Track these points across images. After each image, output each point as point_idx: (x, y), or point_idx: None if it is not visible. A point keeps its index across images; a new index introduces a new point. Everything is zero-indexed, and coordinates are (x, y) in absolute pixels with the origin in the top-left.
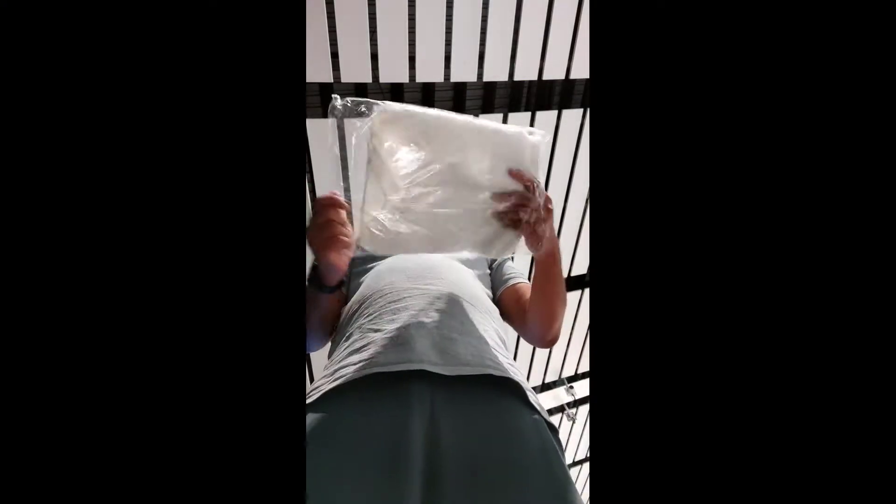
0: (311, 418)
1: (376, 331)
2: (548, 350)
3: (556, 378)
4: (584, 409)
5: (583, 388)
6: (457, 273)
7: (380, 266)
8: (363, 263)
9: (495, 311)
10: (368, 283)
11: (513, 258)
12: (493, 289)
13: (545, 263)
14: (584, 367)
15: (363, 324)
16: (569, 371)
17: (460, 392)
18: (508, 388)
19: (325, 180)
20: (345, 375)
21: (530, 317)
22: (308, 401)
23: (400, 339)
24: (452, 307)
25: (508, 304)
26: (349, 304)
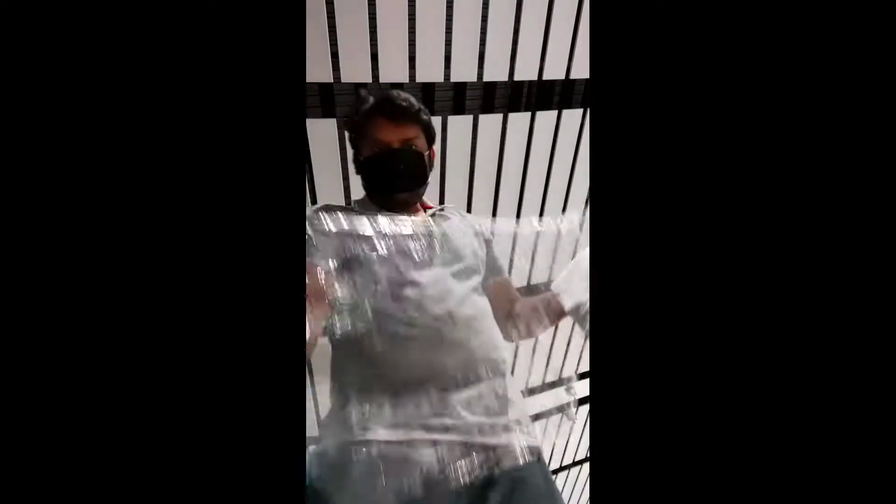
0: (332, 468)
1: (389, 376)
2: (548, 350)
3: (556, 378)
4: (585, 409)
5: (583, 388)
6: (459, 292)
7: (371, 267)
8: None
9: (490, 316)
10: (360, 284)
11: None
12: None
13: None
14: (585, 367)
15: (369, 356)
16: (569, 371)
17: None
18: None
19: (325, 180)
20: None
21: (515, 328)
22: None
23: (426, 398)
24: (458, 345)
25: (490, 297)
26: (339, 304)
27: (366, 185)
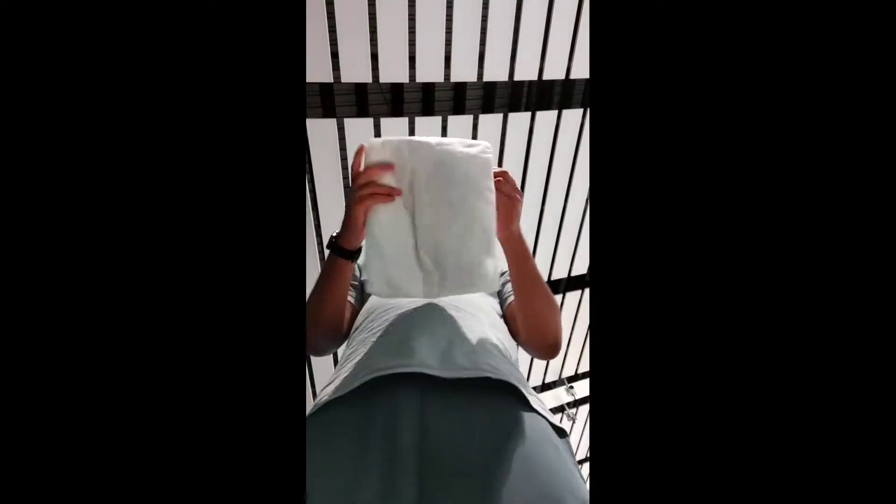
0: (309, 422)
1: (376, 339)
2: None
3: (556, 378)
4: (585, 409)
5: (583, 388)
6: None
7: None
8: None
9: (501, 323)
10: (373, 299)
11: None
12: (501, 306)
13: (518, 256)
14: (585, 367)
15: (366, 337)
16: (569, 371)
17: (454, 396)
18: (505, 392)
19: (325, 180)
20: (341, 379)
21: (521, 325)
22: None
23: (397, 345)
24: (452, 317)
25: (509, 320)
26: (357, 319)
27: None
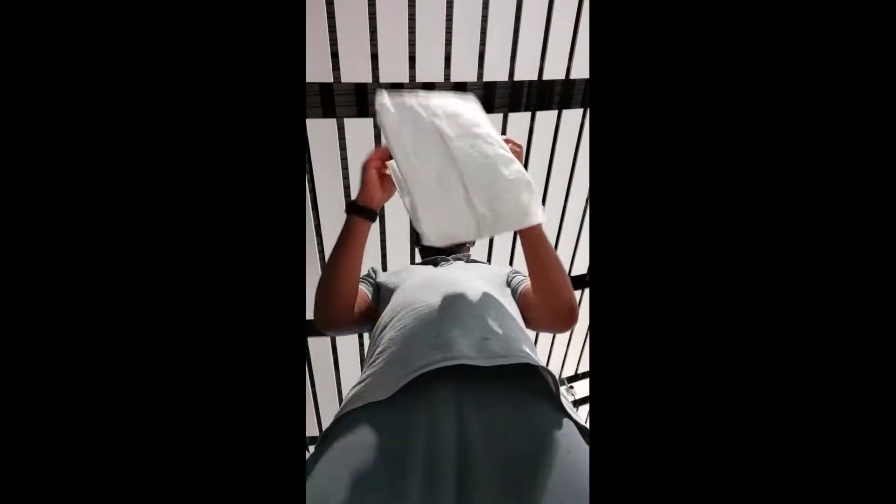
0: (345, 422)
1: (408, 335)
2: (548, 350)
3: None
4: (584, 409)
5: (583, 388)
6: (479, 283)
7: (406, 284)
8: (390, 281)
9: (518, 314)
10: (397, 299)
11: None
12: (513, 295)
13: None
14: (585, 367)
15: (395, 335)
16: (569, 371)
17: (490, 390)
18: (536, 383)
19: (325, 180)
20: (377, 377)
21: (537, 297)
22: (350, 407)
23: (434, 339)
24: (480, 312)
25: (522, 305)
26: (379, 319)
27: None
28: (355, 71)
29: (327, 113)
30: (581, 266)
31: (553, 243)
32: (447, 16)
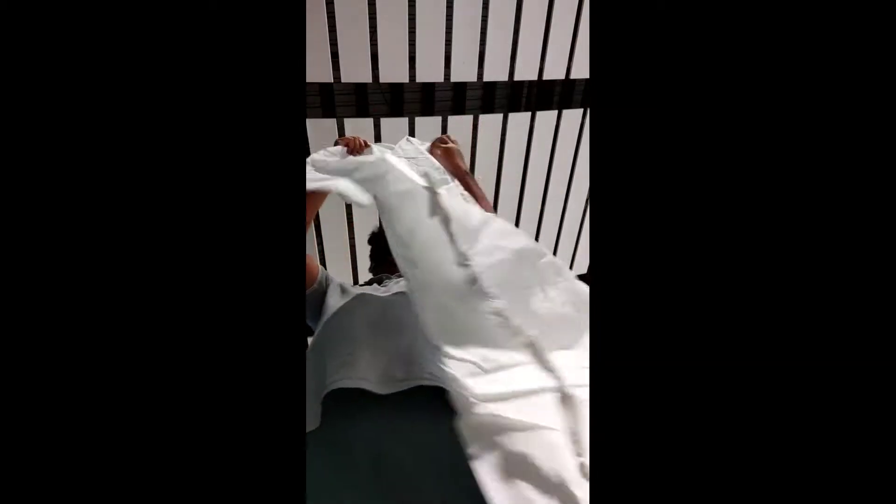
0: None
1: (327, 348)
2: None
3: None
4: None
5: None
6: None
7: (340, 308)
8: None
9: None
10: (329, 321)
11: None
12: None
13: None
14: None
15: (319, 341)
16: None
17: (394, 411)
18: (440, 399)
19: None
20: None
21: None
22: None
23: (344, 357)
24: (400, 325)
25: None
26: (311, 340)
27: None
28: (355, 71)
29: (327, 113)
30: (581, 266)
31: (553, 243)
32: (447, 16)
